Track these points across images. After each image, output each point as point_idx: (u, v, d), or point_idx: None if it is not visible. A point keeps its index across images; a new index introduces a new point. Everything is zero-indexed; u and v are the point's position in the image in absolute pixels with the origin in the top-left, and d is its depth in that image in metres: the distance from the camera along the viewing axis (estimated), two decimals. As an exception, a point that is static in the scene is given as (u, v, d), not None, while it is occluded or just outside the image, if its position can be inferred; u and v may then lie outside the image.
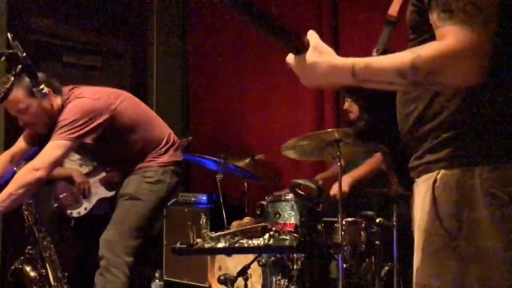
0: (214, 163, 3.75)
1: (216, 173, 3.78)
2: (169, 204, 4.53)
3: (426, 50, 1.16)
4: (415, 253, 1.33)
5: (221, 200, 3.74)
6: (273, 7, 4.27)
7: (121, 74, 5.11)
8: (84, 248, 3.72)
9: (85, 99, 2.69)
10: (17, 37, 2.11)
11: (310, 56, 1.28)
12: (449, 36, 1.14)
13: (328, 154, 3.02)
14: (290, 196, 2.88)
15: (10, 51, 2.07)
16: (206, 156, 3.75)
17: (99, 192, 3.76)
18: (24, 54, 2.07)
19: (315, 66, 1.27)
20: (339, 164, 2.87)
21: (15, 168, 2.93)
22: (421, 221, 1.30)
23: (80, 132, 2.60)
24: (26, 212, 2.76)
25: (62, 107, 2.71)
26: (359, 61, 1.24)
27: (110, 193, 3.74)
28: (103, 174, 3.77)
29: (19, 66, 2.08)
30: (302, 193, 2.88)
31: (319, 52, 1.28)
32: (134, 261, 2.74)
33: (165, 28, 5.29)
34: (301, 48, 1.29)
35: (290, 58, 1.32)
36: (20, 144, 2.95)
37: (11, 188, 2.51)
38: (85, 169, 3.81)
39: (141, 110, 2.97)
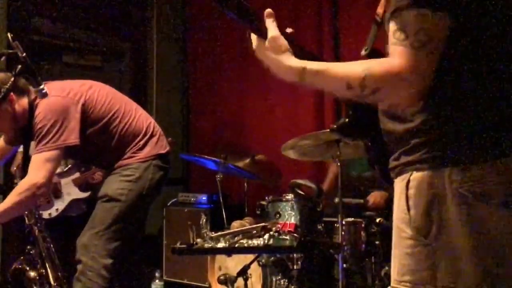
0: (214, 163, 3.75)
1: (216, 173, 3.77)
2: (169, 204, 4.55)
3: (378, 68, 1.26)
4: (392, 250, 1.39)
5: (221, 200, 3.74)
6: (273, 7, 4.28)
7: (121, 74, 5.11)
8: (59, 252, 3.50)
9: (54, 98, 2.58)
10: (17, 37, 2.11)
11: (268, 46, 1.37)
12: (399, 56, 1.24)
13: (328, 154, 3.02)
14: (290, 196, 2.88)
15: (10, 51, 2.07)
16: (206, 156, 3.74)
17: (72, 193, 3.59)
18: (24, 54, 2.07)
19: (269, 57, 1.38)
20: (338, 164, 2.87)
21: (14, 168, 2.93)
22: (396, 220, 1.37)
23: (63, 136, 2.55)
24: (26, 212, 2.76)
25: (31, 107, 2.62)
26: (311, 66, 1.33)
27: (84, 194, 3.59)
28: (77, 174, 3.61)
29: (19, 66, 2.08)
30: (302, 193, 2.89)
31: (275, 46, 1.37)
32: (115, 262, 2.65)
33: (165, 28, 5.29)
34: (262, 32, 1.37)
35: (253, 37, 1.42)
36: (0, 144, 2.91)
37: (10, 202, 2.51)
38: (57, 169, 3.68)
39: (115, 99, 2.81)
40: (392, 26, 1.27)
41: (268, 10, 1.38)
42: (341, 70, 1.30)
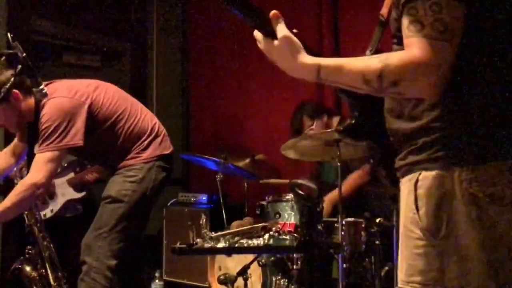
0: (214, 163, 3.75)
1: (216, 173, 3.78)
2: (169, 204, 4.55)
3: (395, 60, 1.22)
4: (399, 250, 1.38)
5: (221, 200, 3.74)
6: (273, 7, 4.27)
7: (121, 74, 5.11)
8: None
9: (61, 99, 2.59)
10: (17, 37, 2.11)
11: (280, 46, 1.32)
12: (416, 47, 1.20)
13: (328, 154, 3.02)
14: (290, 196, 2.88)
15: (10, 51, 2.08)
16: (206, 156, 3.74)
17: (67, 193, 3.61)
18: (24, 54, 2.08)
19: (283, 57, 1.33)
20: (338, 164, 2.87)
21: (15, 169, 2.94)
22: (404, 219, 1.35)
23: (67, 137, 2.55)
24: (26, 212, 2.76)
25: (36, 106, 2.62)
26: (326, 63, 1.29)
27: (79, 195, 3.63)
28: (72, 175, 3.64)
29: (19, 66, 2.08)
30: (302, 193, 2.88)
31: (288, 46, 1.32)
32: (119, 263, 2.66)
33: (165, 28, 5.29)
34: (271, 32, 1.33)
35: (259, 35, 1.36)
36: (16, 142, 2.94)
37: (9, 202, 2.52)
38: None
39: (121, 100, 2.82)
40: (405, 20, 1.24)
41: (274, 12, 1.33)
42: (357, 64, 1.26)
